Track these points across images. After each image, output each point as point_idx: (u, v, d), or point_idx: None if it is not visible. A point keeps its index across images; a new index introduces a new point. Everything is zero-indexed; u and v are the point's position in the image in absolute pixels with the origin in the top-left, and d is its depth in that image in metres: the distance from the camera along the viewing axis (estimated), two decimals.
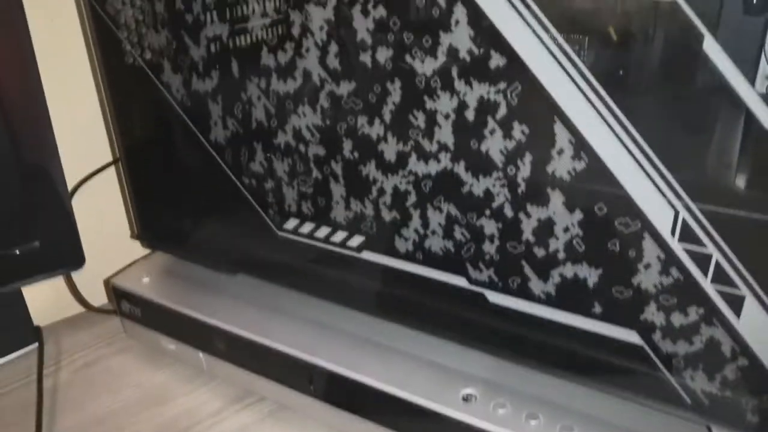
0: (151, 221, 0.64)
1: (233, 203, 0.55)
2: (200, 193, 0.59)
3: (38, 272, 0.55)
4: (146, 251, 0.69)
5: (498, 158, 0.40)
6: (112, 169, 0.72)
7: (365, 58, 0.42)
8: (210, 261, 0.61)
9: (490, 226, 0.42)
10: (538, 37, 0.35)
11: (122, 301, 0.64)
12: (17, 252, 0.53)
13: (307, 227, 0.52)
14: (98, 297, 0.73)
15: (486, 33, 0.37)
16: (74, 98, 0.67)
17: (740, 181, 0.35)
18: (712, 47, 0.32)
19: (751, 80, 0.34)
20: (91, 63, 0.66)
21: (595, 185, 0.37)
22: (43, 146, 0.59)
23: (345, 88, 0.44)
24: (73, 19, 0.64)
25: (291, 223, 0.52)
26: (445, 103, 0.40)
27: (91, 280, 0.71)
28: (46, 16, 0.61)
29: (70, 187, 0.63)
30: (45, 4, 0.61)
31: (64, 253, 0.57)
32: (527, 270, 0.42)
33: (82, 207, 0.63)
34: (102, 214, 0.71)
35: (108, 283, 0.65)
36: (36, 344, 0.67)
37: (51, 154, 0.59)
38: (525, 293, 0.43)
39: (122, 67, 0.56)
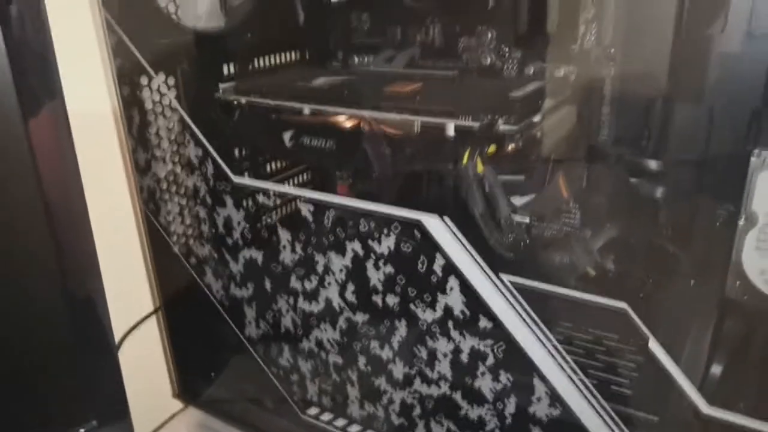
0: (190, 385, 0.72)
1: (262, 384, 0.63)
2: (234, 369, 0.67)
3: None
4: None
5: (489, 394, 0.47)
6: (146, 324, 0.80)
7: (377, 299, 0.50)
8: (242, 426, 0.69)
9: None
10: (519, 314, 0.43)
11: None
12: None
13: (326, 416, 0.59)
14: None
15: (475, 301, 0.45)
16: (119, 254, 0.75)
17: None
18: (655, 347, 0.39)
19: None
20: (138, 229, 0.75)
21: (570, 429, 0.44)
22: (93, 310, 0.67)
23: (360, 317, 0.52)
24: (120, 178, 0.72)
25: (313, 410, 0.60)
26: (443, 345, 0.48)
27: None
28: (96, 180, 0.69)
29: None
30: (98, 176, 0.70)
31: (116, 427, 0.65)
32: None
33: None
34: (141, 366, 0.79)
35: None
36: None
37: (102, 320, 0.67)
38: None
39: (169, 258, 0.65)
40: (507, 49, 0.60)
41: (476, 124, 0.48)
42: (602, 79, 0.57)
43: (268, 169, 0.58)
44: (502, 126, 0.48)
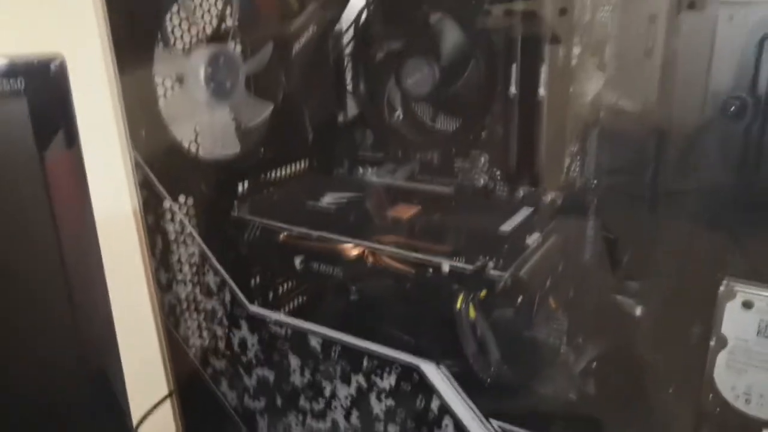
0: None
1: None
2: None
3: None
4: None
5: None
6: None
7: (379, 426, 0.55)
8: None
9: None
10: None
11: None
12: None
13: None
14: None
15: None
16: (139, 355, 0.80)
17: None
18: None
19: None
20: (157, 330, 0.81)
21: None
22: (112, 396, 0.72)
23: None
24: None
25: None
26: None
27: None
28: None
29: None
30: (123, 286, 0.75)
31: None
32: None
33: None
34: None
35: None
36: None
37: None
38: None
39: (186, 364, 0.70)
40: (499, 174, 0.66)
41: (469, 267, 0.53)
42: (586, 207, 0.62)
43: (282, 300, 0.63)
44: (491, 271, 0.53)
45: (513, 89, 0.57)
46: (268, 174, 0.71)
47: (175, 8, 0.59)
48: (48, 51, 0.50)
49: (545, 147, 0.62)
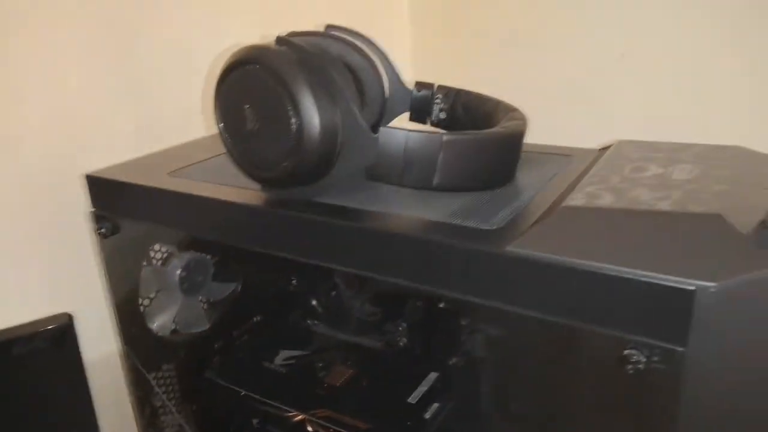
0: None
1: None
2: None
3: None
4: None
5: None
6: None
7: None
8: None
9: None
10: None
11: None
12: None
13: None
14: None
15: None
16: None
17: None
18: None
19: None
20: None
21: None
22: None
23: None
24: None
25: None
26: None
27: None
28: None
29: None
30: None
31: None
32: None
33: None
34: None
35: None
36: None
37: None
38: None
39: None
40: (414, 340, 0.83)
41: None
42: (478, 375, 0.80)
43: None
44: None
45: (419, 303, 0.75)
46: (233, 330, 0.89)
47: (156, 246, 0.77)
48: (58, 312, 0.67)
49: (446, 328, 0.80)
